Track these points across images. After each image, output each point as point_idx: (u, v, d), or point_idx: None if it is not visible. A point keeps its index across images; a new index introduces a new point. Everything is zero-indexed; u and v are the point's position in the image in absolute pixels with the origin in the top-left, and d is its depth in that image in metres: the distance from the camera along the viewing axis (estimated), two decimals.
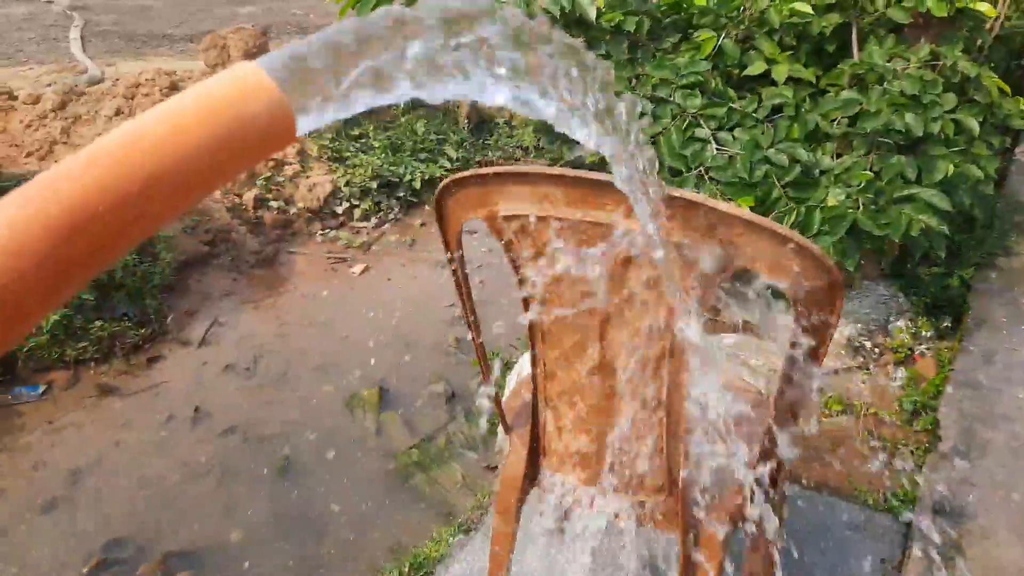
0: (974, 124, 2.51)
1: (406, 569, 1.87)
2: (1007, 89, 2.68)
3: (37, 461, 2.47)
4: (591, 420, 1.12)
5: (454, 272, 1.11)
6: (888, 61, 2.72)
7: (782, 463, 1.24)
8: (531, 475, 1.25)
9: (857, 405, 2.45)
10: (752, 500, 1.20)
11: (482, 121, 5.80)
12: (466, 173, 1.02)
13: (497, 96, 0.45)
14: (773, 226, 0.87)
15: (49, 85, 5.48)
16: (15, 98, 4.52)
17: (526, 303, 1.06)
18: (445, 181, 1.04)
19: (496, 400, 1.24)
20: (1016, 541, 1.63)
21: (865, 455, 2.26)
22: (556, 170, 0.90)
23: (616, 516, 1.18)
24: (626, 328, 0.99)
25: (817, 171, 2.58)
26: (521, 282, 1.02)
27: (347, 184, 4.58)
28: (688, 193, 0.86)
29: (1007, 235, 3.23)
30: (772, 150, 2.52)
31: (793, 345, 0.96)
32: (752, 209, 2.44)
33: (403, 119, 5.33)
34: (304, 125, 0.40)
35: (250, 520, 2.28)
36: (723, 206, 0.87)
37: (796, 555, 1.81)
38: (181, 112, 0.36)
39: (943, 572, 1.55)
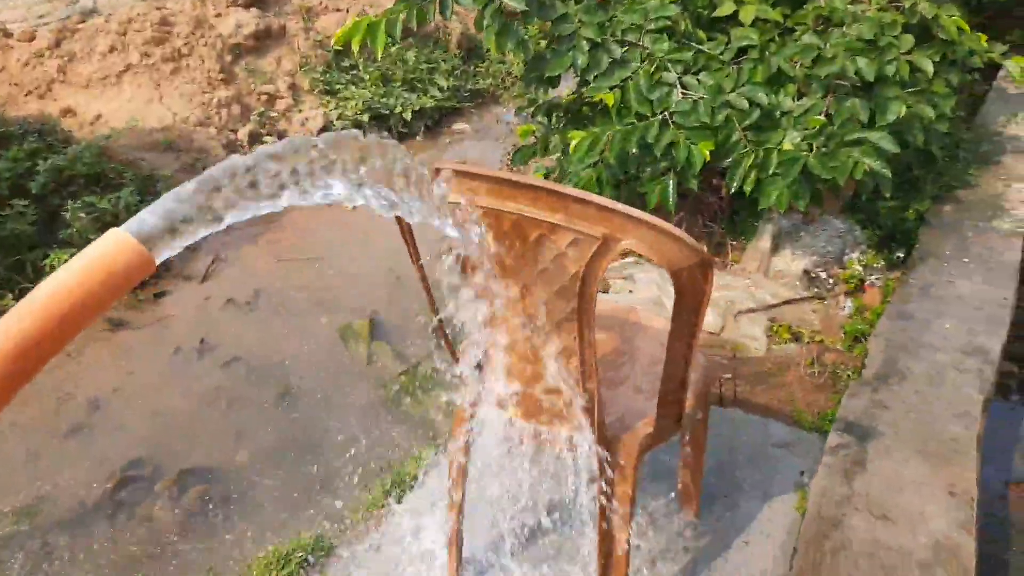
0: (928, 65, 2.61)
1: (388, 485, 2.13)
2: (966, 28, 2.77)
3: (60, 392, 2.73)
4: (523, 366, 1.33)
5: (404, 239, 1.31)
6: (852, 3, 2.80)
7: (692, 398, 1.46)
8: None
9: (805, 333, 2.66)
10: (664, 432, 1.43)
11: (472, 48, 5.82)
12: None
13: (318, 197, 0.66)
14: (650, 218, 1.05)
15: (42, 17, 5.53)
16: (10, 35, 4.60)
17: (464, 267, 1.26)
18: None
19: (442, 332, 1.45)
20: (916, 457, 1.86)
21: (806, 380, 2.49)
22: (477, 169, 1.08)
23: (548, 443, 1.41)
24: (541, 293, 1.19)
25: (778, 113, 2.71)
26: (458, 255, 1.22)
27: (339, 117, 4.69)
28: (581, 192, 1.04)
29: (968, 167, 3.36)
30: (734, 94, 2.64)
31: (676, 307, 1.16)
32: (712, 152, 2.59)
33: (393, 49, 5.37)
34: (160, 259, 0.60)
35: (255, 442, 2.54)
36: (611, 204, 1.05)
37: (728, 470, 2.07)
38: (68, 279, 0.56)
39: (844, 482, 1.80)
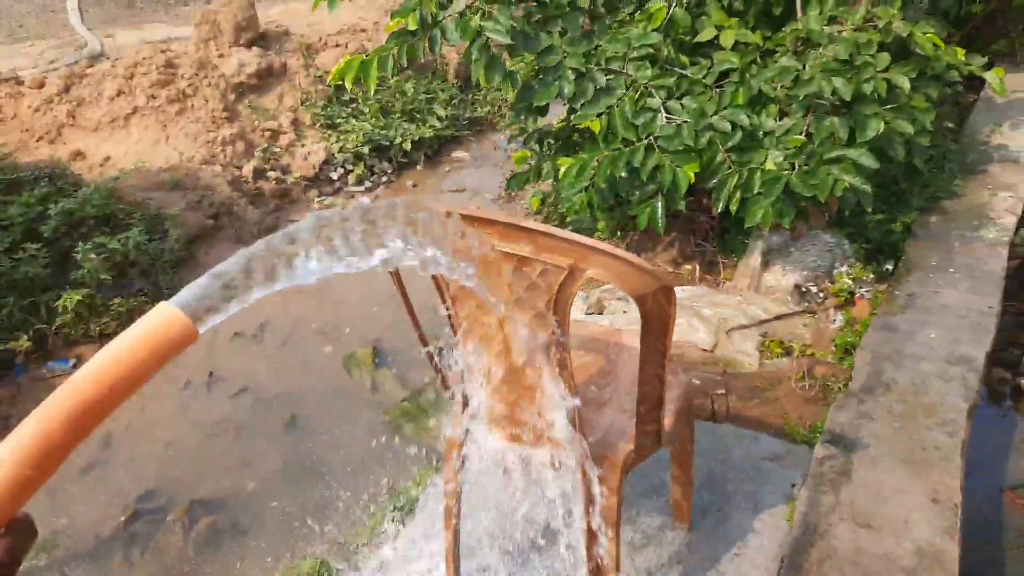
0: (905, 82, 2.69)
1: (390, 509, 2.20)
2: (940, 44, 2.84)
3: None
4: (505, 392, 1.40)
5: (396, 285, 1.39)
6: (829, 24, 2.89)
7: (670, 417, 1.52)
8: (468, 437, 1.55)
9: (796, 347, 2.72)
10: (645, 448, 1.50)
11: (469, 77, 5.94)
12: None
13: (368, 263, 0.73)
14: (610, 249, 1.13)
15: (52, 63, 5.70)
16: (21, 83, 4.76)
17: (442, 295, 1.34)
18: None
19: (430, 360, 1.52)
20: (898, 466, 1.92)
21: (797, 393, 2.54)
22: (454, 209, 1.16)
23: (532, 463, 1.48)
24: (520, 319, 1.26)
25: (761, 133, 2.78)
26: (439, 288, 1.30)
27: (340, 150, 4.81)
28: (549, 228, 1.12)
29: (954, 177, 3.42)
30: (716, 117, 2.72)
31: (643, 332, 1.23)
32: (696, 174, 2.67)
33: (392, 80, 5.50)
34: (203, 329, 0.67)
35: (263, 470, 2.62)
36: (572, 237, 1.13)
37: (720, 483, 2.12)
38: (120, 350, 0.63)
39: (830, 492, 1.85)
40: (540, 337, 1.27)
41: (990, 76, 3.04)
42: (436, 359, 1.47)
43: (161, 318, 0.64)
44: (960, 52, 3.04)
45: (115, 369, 0.61)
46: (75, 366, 3.14)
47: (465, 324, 1.32)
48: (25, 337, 3.09)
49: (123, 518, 2.39)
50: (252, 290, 0.67)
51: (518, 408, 1.42)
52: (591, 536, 1.48)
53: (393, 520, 2.14)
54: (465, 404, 1.49)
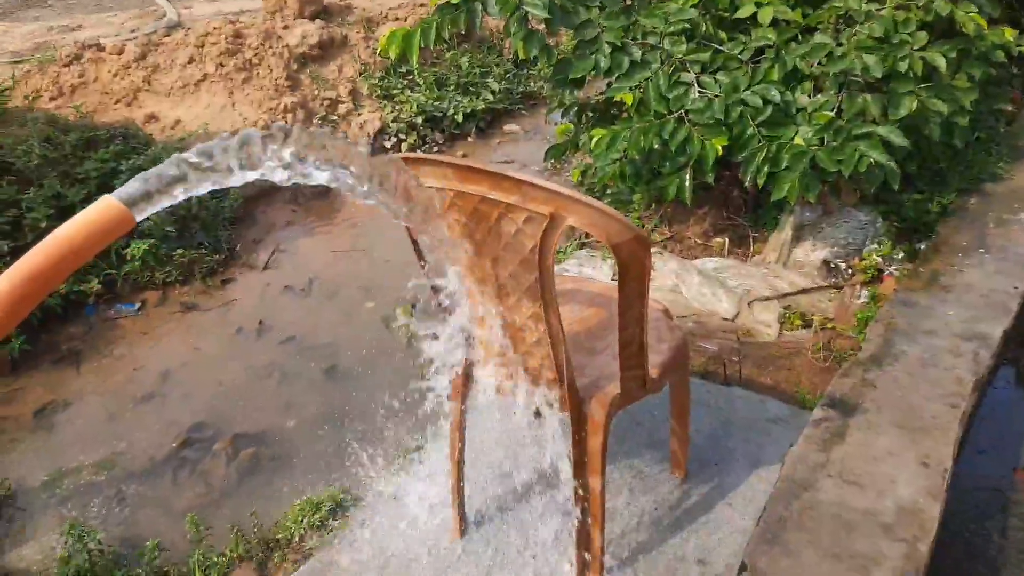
0: (941, 60, 2.68)
1: (412, 448, 2.37)
2: (982, 23, 2.81)
3: (136, 364, 3.08)
4: (501, 332, 1.54)
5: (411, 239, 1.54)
6: (869, 1, 2.89)
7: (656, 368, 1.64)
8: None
9: (817, 320, 2.77)
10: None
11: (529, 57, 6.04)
12: (403, 156, 1.43)
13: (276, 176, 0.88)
14: (589, 200, 1.24)
15: (133, 32, 6.05)
16: (102, 49, 5.08)
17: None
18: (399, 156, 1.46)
19: (434, 296, 1.67)
20: (894, 432, 1.97)
21: (813, 364, 2.60)
22: (444, 158, 1.29)
23: (529, 401, 1.61)
24: (508, 266, 1.40)
25: (794, 109, 2.82)
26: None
27: (395, 120, 4.99)
28: (522, 175, 1.24)
29: (1000, 159, 3.37)
30: (748, 92, 2.77)
31: (620, 280, 1.34)
32: (727, 148, 2.73)
33: (448, 55, 5.65)
34: (140, 218, 0.82)
35: (303, 411, 2.82)
36: (554, 187, 1.25)
37: (723, 440, 2.22)
38: (70, 228, 0.78)
39: (821, 451, 1.92)
40: (527, 280, 1.40)
41: None
42: (440, 299, 1.60)
43: (102, 206, 0.80)
44: (1009, 32, 3.00)
45: (66, 243, 0.77)
46: (140, 309, 3.42)
47: (461, 267, 1.45)
48: (96, 281, 3.37)
49: (175, 444, 2.63)
50: (176, 189, 0.82)
51: (512, 347, 1.55)
52: (578, 469, 1.61)
53: (412, 457, 2.31)
54: (466, 342, 1.63)
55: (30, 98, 4.53)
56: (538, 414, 1.61)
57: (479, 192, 1.32)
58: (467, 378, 1.74)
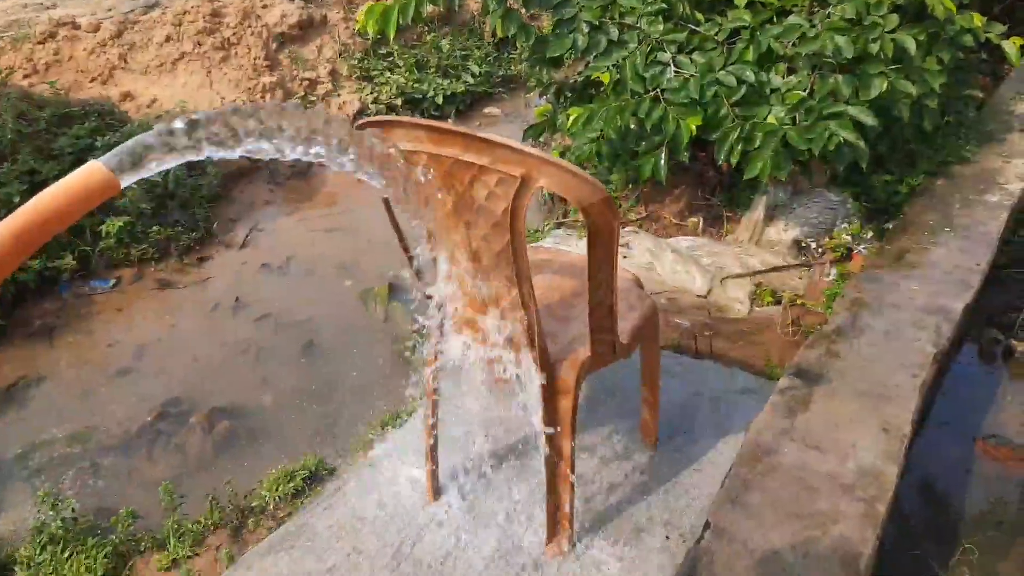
0: (911, 43, 2.73)
1: (387, 418, 2.39)
2: (952, 7, 2.87)
3: (111, 339, 3.08)
4: (474, 296, 1.57)
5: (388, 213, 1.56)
6: None
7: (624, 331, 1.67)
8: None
9: (787, 297, 2.82)
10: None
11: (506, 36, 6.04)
12: (376, 119, 1.45)
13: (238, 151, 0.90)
14: (559, 161, 1.27)
15: (109, 10, 5.97)
16: (78, 27, 5.02)
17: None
18: (369, 120, 1.47)
19: (409, 264, 1.69)
20: (856, 400, 2.03)
21: (782, 338, 2.65)
22: (417, 120, 1.31)
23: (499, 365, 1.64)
24: (480, 230, 1.42)
25: (768, 90, 2.87)
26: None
27: (374, 101, 4.98)
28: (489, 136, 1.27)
29: (968, 143, 3.44)
30: (723, 72, 2.81)
31: (589, 243, 1.37)
32: (701, 128, 2.77)
33: (429, 37, 5.64)
34: (125, 184, 0.84)
35: (279, 387, 2.83)
36: (525, 149, 1.27)
37: (692, 410, 2.27)
38: (55, 190, 0.80)
39: (785, 418, 1.97)
40: (500, 243, 1.42)
41: (1007, 45, 3.06)
42: (416, 264, 1.63)
43: (88, 170, 0.81)
44: (978, 18, 3.06)
45: (51, 202, 0.78)
46: (114, 286, 3.41)
47: (436, 231, 1.47)
48: (71, 257, 3.35)
49: (150, 418, 2.63)
50: (167, 157, 0.84)
51: (485, 312, 1.58)
52: (549, 432, 1.64)
53: (387, 427, 2.33)
54: (440, 308, 1.65)
55: (3, 75, 4.47)
56: (511, 378, 1.64)
57: (452, 155, 1.34)
58: (440, 344, 1.76)
